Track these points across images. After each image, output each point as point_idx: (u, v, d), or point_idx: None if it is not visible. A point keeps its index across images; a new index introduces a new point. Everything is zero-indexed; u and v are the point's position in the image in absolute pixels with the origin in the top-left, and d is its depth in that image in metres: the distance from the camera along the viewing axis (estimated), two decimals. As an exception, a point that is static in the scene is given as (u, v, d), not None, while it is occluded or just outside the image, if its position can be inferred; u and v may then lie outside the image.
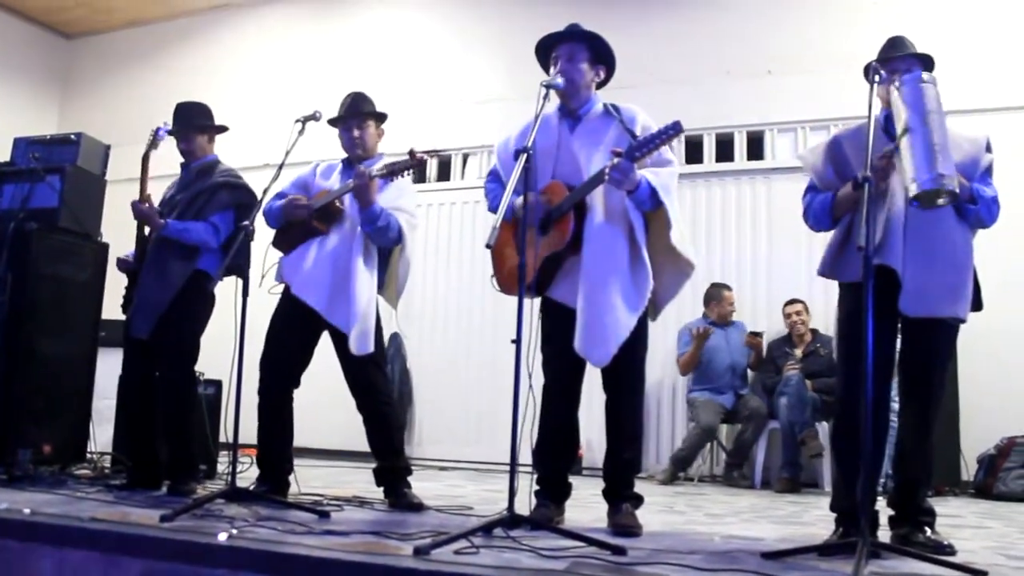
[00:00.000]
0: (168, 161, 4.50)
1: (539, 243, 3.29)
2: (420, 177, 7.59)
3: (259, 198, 3.73)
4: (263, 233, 3.98)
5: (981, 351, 5.59)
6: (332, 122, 4.11)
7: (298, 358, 3.94)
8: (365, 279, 3.83)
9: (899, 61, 3.11)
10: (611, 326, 3.16)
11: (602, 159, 3.25)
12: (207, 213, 4.14)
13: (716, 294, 6.46)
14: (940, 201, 2.75)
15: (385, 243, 3.91)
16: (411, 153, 3.70)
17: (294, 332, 3.90)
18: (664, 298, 3.40)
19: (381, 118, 4.15)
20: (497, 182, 3.65)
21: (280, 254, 4.04)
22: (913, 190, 2.70)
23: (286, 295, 3.94)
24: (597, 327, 3.16)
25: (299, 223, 3.95)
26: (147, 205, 4.13)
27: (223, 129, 4.45)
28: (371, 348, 3.81)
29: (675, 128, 3.10)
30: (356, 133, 4.05)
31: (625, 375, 3.33)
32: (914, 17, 6.39)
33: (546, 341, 3.41)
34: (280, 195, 4.08)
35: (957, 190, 2.72)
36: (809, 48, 6.83)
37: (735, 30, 7.11)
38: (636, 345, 3.29)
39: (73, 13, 9.32)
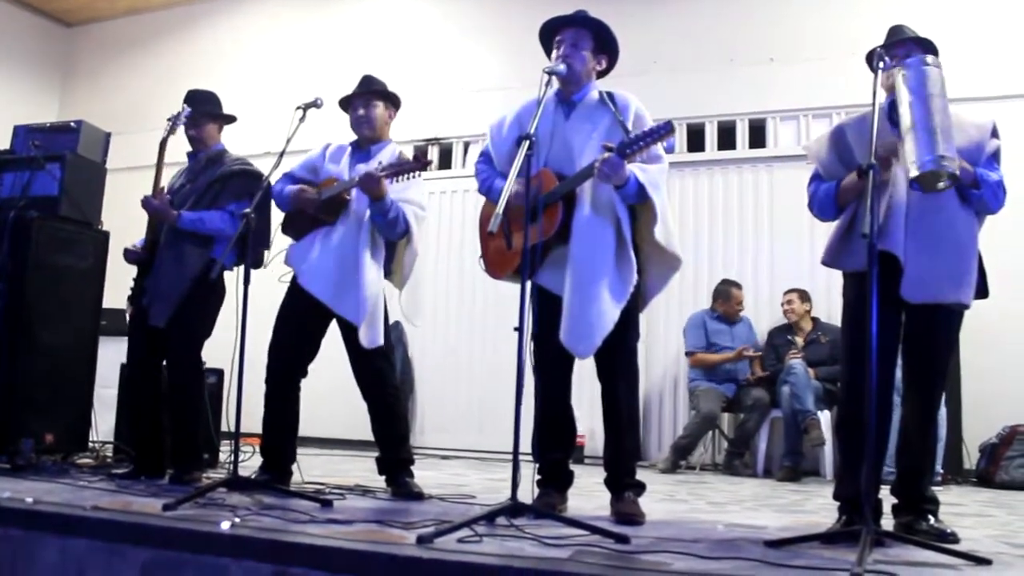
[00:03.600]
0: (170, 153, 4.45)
1: (539, 231, 3.27)
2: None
3: (263, 187, 3.71)
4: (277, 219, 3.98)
5: (984, 339, 5.59)
6: (342, 104, 4.10)
7: (306, 347, 3.93)
8: (373, 271, 3.83)
9: (901, 47, 3.09)
10: (596, 319, 3.16)
11: (594, 149, 3.24)
12: (222, 202, 4.12)
13: (725, 292, 6.46)
14: (940, 184, 2.72)
15: (392, 236, 3.91)
16: (416, 157, 3.69)
17: (302, 321, 3.89)
18: (651, 290, 3.43)
19: (390, 99, 4.11)
20: (488, 163, 3.64)
21: (289, 240, 4.03)
22: (913, 172, 2.68)
23: (294, 284, 3.93)
24: (582, 320, 3.17)
25: (306, 212, 3.95)
26: (159, 200, 4.07)
27: (232, 119, 4.42)
28: (381, 341, 3.83)
29: (666, 128, 3.09)
30: (361, 112, 4.03)
31: (618, 362, 3.32)
32: (917, 4, 6.36)
33: (535, 328, 3.40)
34: (289, 176, 4.07)
35: (957, 172, 2.70)
36: (811, 36, 6.81)
37: (737, 18, 7.09)
38: (627, 333, 3.29)
39: (73, 1, 9.28)
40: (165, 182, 4.29)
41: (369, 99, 4.05)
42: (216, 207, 4.12)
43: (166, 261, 4.07)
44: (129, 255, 4.26)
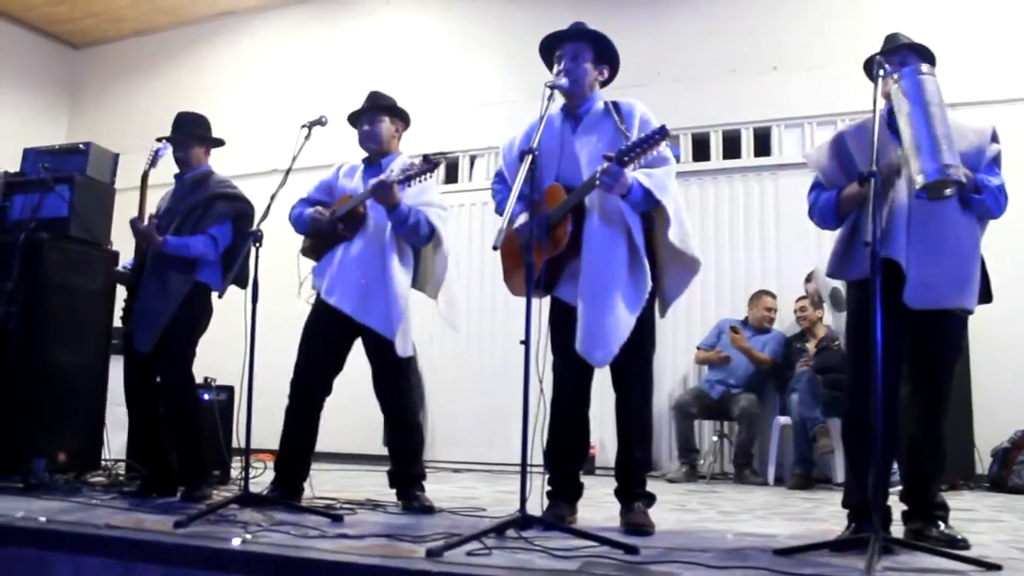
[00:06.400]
0: (160, 172, 4.47)
1: (542, 247, 3.29)
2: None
3: (267, 204, 3.69)
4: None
5: (994, 343, 5.59)
6: (351, 120, 4.13)
7: (331, 365, 3.94)
8: (402, 280, 3.85)
9: (897, 54, 3.10)
10: (611, 327, 3.16)
11: (600, 160, 3.26)
12: (205, 225, 4.15)
13: (753, 299, 6.52)
14: (947, 192, 2.75)
15: (418, 241, 3.93)
16: (424, 158, 3.71)
17: (327, 339, 3.90)
18: (672, 294, 3.42)
19: (397, 114, 4.13)
20: (503, 183, 3.66)
21: (312, 263, 4.06)
22: (920, 182, 2.69)
23: (318, 302, 3.95)
24: (598, 329, 3.17)
25: (325, 231, 3.97)
26: (145, 224, 4.12)
27: (220, 143, 4.44)
28: (411, 350, 3.87)
29: (661, 133, 3.10)
30: (367, 127, 4.07)
31: (633, 372, 3.33)
32: (918, 11, 6.37)
33: (554, 340, 3.42)
34: (307, 201, 4.11)
35: (963, 179, 2.72)
36: (815, 44, 6.81)
37: (741, 27, 7.10)
38: (643, 343, 3.30)
39: (81, 23, 9.36)
40: (154, 203, 4.33)
41: (375, 114, 4.08)
42: (199, 231, 4.14)
43: (150, 286, 4.10)
44: (118, 276, 4.31)
